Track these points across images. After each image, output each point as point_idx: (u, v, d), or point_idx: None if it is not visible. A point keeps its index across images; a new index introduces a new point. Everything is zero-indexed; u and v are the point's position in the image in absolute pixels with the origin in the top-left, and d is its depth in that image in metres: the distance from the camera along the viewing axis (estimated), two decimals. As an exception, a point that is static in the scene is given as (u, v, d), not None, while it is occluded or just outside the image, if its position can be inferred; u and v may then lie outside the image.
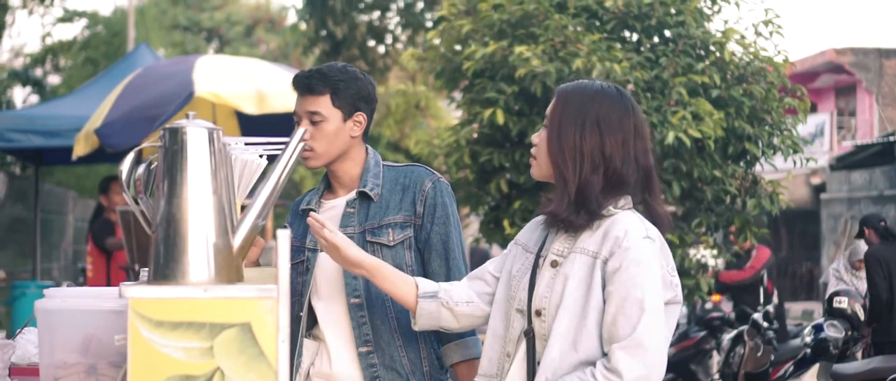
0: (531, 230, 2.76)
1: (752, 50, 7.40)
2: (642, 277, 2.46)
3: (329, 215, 3.21)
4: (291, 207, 3.40)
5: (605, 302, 2.51)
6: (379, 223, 3.14)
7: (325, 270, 3.17)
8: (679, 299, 2.60)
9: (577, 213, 2.53)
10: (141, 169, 2.34)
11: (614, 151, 2.54)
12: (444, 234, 3.16)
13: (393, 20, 15.18)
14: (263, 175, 2.85)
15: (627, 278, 2.46)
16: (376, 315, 3.12)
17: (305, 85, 3.16)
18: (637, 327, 2.44)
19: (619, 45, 7.24)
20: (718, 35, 7.38)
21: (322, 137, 3.14)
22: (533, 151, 2.66)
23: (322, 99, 3.14)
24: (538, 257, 2.64)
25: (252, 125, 8.17)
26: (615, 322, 2.47)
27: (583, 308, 2.51)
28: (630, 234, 2.49)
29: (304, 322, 3.19)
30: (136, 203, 2.31)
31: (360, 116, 3.20)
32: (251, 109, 7.45)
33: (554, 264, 2.58)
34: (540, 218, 2.74)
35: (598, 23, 7.46)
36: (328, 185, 3.31)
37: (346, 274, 3.12)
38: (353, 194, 3.20)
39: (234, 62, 8.46)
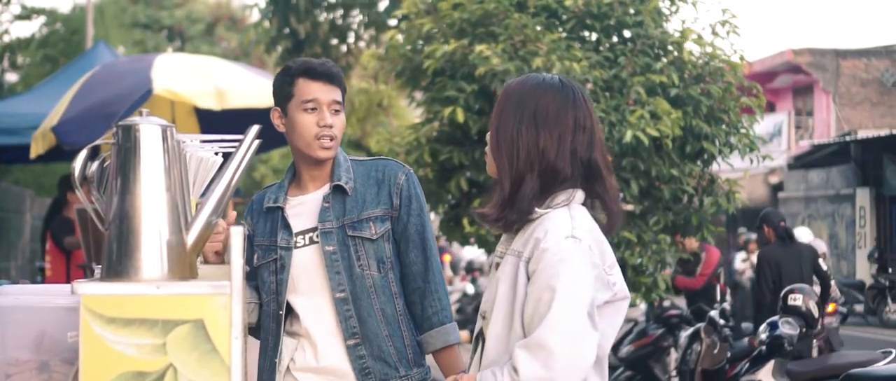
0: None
1: (709, 50, 7.47)
2: (557, 278, 2.39)
3: (300, 210, 3.21)
4: (250, 204, 3.38)
5: None
6: (358, 217, 3.17)
7: (304, 267, 3.17)
8: (621, 296, 2.52)
9: (510, 211, 2.50)
10: (94, 166, 2.33)
11: (548, 145, 2.48)
12: (421, 225, 3.22)
13: (356, 19, 15.15)
14: (218, 172, 2.85)
15: (543, 280, 2.41)
16: (362, 308, 3.15)
17: (332, 74, 3.20)
18: (539, 328, 2.37)
19: (578, 45, 7.28)
20: (676, 35, 7.44)
21: (340, 127, 3.20)
22: (487, 148, 2.63)
23: (339, 90, 3.22)
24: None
25: (212, 123, 8.13)
26: (531, 323, 2.43)
27: (511, 310, 2.49)
28: (550, 234, 2.43)
29: (282, 321, 3.19)
30: (90, 200, 2.30)
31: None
32: (211, 104, 7.41)
33: (496, 267, 2.58)
34: None
35: (557, 22, 7.50)
36: (293, 180, 3.30)
37: (330, 269, 3.13)
38: (326, 189, 3.21)
39: (192, 60, 8.43)
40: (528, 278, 2.46)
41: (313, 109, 3.16)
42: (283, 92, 3.20)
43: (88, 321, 2.07)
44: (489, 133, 2.58)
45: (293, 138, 3.19)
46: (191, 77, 7.61)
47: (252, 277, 3.26)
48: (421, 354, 3.25)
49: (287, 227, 3.19)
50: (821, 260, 8.73)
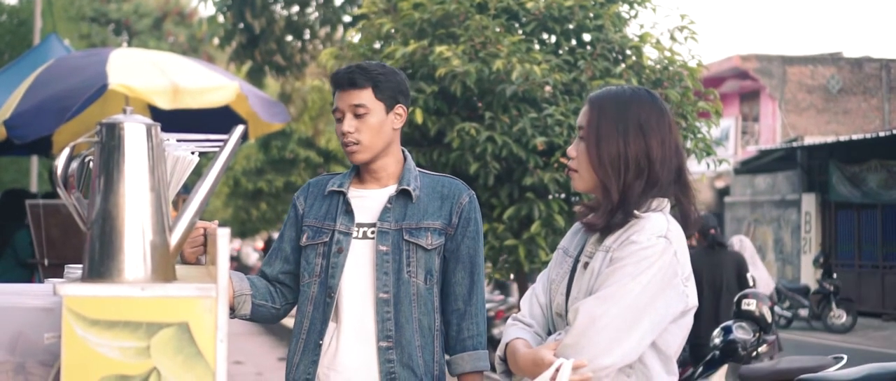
0: (572, 235, 2.74)
1: (667, 54, 7.51)
2: (635, 266, 2.42)
3: (362, 204, 3.22)
4: (306, 187, 3.37)
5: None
6: (417, 225, 3.17)
7: (357, 260, 3.17)
8: (690, 305, 2.52)
9: (616, 216, 2.51)
10: (75, 164, 2.28)
11: (656, 153, 2.51)
12: (474, 249, 3.23)
13: (312, 16, 15.05)
14: (195, 172, 2.82)
15: (620, 264, 2.44)
16: (401, 313, 3.14)
17: (348, 80, 3.20)
18: (592, 298, 2.43)
19: (538, 47, 7.29)
20: (635, 39, 7.47)
21: (367, 129, 3.18)
22: (571, 164, 2.62)
23: (364, 92, 3.19)
24: (576, 261, 2.63)
25: (165, 118, 8.02)
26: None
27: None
28: (645, 230, 2.46)
29: (329, 305, 3.16)
30: (72, 199, 2.25)
31: (401, 109, 3.26)
32: (164, 103, 7.33)
33: (585, 266, 2.57)
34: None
35: (517, 24, 7.51)
36: (355, 172, 3.32)
37: (378, 269, 3.13)
38: (392, 190, 3.22)
39: (148, 56, 8.31)
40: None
41: (339, 118, 3.20)
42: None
43: (71, 322, 2.02)
44: (583, 149, 2.58)
45: None
46: (147, 73, 7.52)
47: (287, 259, 3.26)
48: (444, 374, 3.24)
49: (349, 213, 3.19)
50: (749, 275, 8.73)
